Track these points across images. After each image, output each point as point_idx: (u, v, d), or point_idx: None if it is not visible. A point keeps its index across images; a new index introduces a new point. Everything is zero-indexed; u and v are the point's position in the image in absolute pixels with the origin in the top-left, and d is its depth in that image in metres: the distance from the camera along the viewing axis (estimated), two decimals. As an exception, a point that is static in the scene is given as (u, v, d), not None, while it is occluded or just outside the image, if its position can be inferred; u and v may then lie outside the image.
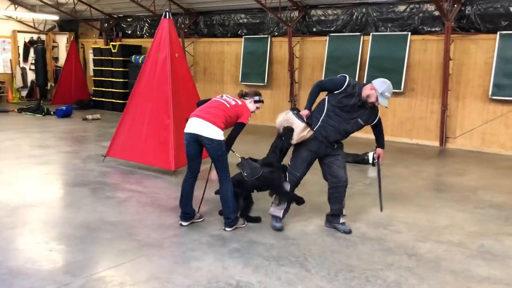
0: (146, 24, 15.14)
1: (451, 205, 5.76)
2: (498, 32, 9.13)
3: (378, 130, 4.80)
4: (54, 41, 17.60)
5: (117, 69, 14.61)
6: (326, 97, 4.58)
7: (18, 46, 16.78)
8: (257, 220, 4.87)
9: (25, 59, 16.96)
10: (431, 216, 5.31)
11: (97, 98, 15.31)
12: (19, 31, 16.74)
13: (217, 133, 4.39)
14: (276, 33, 12.40)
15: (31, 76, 17.06)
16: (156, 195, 5.83)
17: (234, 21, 13.20)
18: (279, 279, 3.62)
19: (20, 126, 11.17)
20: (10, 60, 16.66)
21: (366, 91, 4.42)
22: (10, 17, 16.25)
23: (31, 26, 17.09)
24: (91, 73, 16.13)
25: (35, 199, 5.52)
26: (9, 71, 16.65)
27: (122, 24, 15.75)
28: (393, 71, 10.27)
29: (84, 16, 15.54)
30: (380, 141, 4.86)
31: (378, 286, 3.55)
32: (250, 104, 4.74)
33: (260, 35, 12.67)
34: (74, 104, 14.71)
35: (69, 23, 16.99)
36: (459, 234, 4.74)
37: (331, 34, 11.37)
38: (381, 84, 4.40)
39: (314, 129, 4.51)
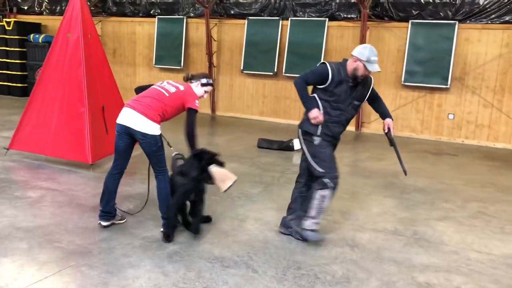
0: (46, 0, 13.76)
1: (379, 192, 5.91)
2: (410, 21, 9.56)
3: (377, 100, 4.29)
4: None
5: (13, 48, 13.15)
6: (315, 95, 4.03)
7: None
8: (208, 220, 4.55)
9: None
10: (363, 204, 5.39)
11: (-10, 81, 13.72)
12: None
13: (151, 127, 3.96)
14: (192, 14, 11.91)
15: None
16: (73, 193, 5.26)
17: (146, 0, 12.46)
18: (226, 283, 3.38)
19: None
20: None
21: (350, 66, 3.92)
22: None
23: None
24: (-19, 53, 14.39)
25: None
26: None
27: (17, -1, 14.19)
28: (311, 57, 10.37)
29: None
30: (384, 112, 4.26)
31: (328, 283, 3.46)
32: (196, 88, 4.26)
33: (175, 15, 12.10)
34: (-38, 87, 13.06)
35: (-48, -5, 14.94)
36: (392, 221, 4.85)
37: (249, 18, 11.16)
38: (362, 51, 3.87)
39: (318, 133, 4.02)
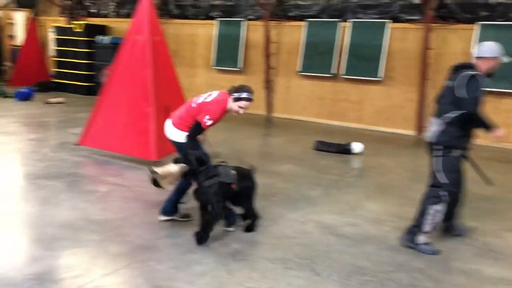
0: (112, 4, 14.36)
1: (443, 199, 5.71)
2: (478, 23, 9.17)
3: None
4: (10, 18, 16.45)
5: (81, 49, 13.82)
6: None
7: (-30, 22, 15.60)
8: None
9: (-22, 36, 15.81)
10: (427, 211, 5.22)
11: (59, 80, 14.47)
12: (-29, 6, 15.54)
13: (177, 135, 4.31)
14: (252, 17, 12.02)
15: (-16, 55, 15.96)
16: (139, 189, 5.46)
17: (207, 3, 12.71)
18: (289, 285, 3.39)
19: (-23, 110, 10.38)
20: (-38, 37, 15.47)
21: (484, 66, 3.92)
22: (-40, -10, 15.03)
23: (-16, 1, 15.90)
24: (52, 54, 15.22)
25: (8, 194, 5.04)
26: (-40, 49, 15.47)
27: (85, 3, 14.88)
28: (371, 59, 10.20)
29: (44, -8, 14.58)
30: None
31: (393, 290, 3.40)
32: (231, 102, 4.23)
33: (235, 18, 12.26)
34: (34, 86, 13.82)
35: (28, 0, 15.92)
36: (459, 230, 4.67)
37: (308, 20, 11.12)
38: (492, 48, 3.95)
39: (461, 146, 4.00)
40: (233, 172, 4.13)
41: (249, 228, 4.32)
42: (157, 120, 6.39)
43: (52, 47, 15.21)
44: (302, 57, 11.22)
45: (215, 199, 3.96)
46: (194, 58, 13.16)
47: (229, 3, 12.37)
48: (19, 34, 16.21)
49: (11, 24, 16.42)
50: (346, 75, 10.65)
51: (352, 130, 10.37)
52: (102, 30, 14.04)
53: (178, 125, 4.30)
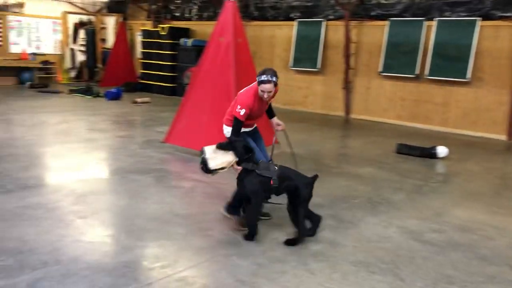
0: (195, 7, 14.90)
1: (540, 209, 5.30)
2: None
3: None
4: (102, 23, 17.64)
5: (165, 52, 14.49)
6: None
7: (68, 28, 16.91)
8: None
9: (74, 40, 17.11)
10: (521, 221, 4.88)
11: (144, 81, 15.28)
12: (69, 13, 16.84)
13: (227, 131, 4.55)
14: (332, 17, 11.92)
15: (80, 57, 17.23)
16: (221, 186, 5.62)
17: (287, 4, 12.79)
18: (372, 289, 3.33)
19: (72, 108, 11.23)
20: (60, 41, 16.82)
21: None
22: (60, -2, 16.36)
23: (80, 8, 17.16)
24: (139, 56, 16.10)
25: (101, 186, 5.42)
26: (59, 52, 16.83)
27: (170, 6, 15.57)
28: (458, 59, 9.71)
29: (133, -2, 15.45)
30: None
31: (484, 303, 3.22)
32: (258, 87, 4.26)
33: (314, 18, 12.22)
34: (122, 86, 14.71)
35: (118, 5, 16.96)
36: (559, 243, 4.32)
37: (391, 19, 10.81)
38: None
39: None
40: (274, 168, 4.03)
41: (289, 242, 3.98)
42: (238, 120, 6.55)
43: (139, 50, 16.09)
44: (384, 57, 10.94)
45: (253, 190, 3.96)
46: (273, 59, 13.28)
47: (309, 3, 12.34)
48: (110, 37, 17.32)
49: (103, 28, 17.59)
50: (430, 75, 10.23)
51: (436, 133, 9.94)
52: (186, 33, 14.62)
53: (225, 121, 4.57)
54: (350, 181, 6.06)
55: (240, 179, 4.11)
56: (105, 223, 4.33)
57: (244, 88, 4.47)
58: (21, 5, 15.71)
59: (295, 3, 12.60)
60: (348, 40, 11.36)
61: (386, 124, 11.00)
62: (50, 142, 7.63)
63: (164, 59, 14.57)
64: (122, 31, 15.84)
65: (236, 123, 4.28)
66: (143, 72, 15.36)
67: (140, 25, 16.24)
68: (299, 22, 12.43)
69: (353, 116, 11.79)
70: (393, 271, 3.61)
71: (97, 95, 13.24)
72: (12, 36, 15.67)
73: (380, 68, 11.02)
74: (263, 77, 4.17)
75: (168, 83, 14.56)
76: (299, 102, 12.73)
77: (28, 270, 3.35)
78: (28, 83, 15.01)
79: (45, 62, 15.97)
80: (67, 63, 17.03)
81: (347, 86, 11.60)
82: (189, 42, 13.97)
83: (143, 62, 15.37)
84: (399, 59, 10.68)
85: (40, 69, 15.79)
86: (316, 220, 4.18)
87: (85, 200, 4.92)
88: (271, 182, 3.99)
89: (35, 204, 4.63)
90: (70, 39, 17.02)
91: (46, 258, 3.56)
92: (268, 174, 4.00)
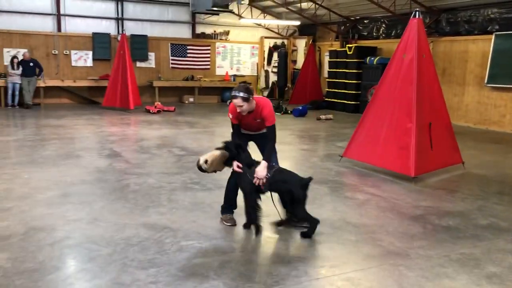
0: (383, 25, 14.96)
1: None
2: None
3: None
4: (293, 45, 18.97)
5: (351, 70, 14.87)
6: None
7: (264, 51, 18.66)
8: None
9: (269, 62, 18.78)
10: None
11: (329, 99, 15.88)
12: (265, 37, 18.59)
13: None
14: (537, 28, 10.70)
15: (272, 78, 18.82)
16: (395, 201, 5.65)
17: (483, 17, 11.92)
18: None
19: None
20: (257, 63, 18.66)
21: None
22: (259, 25, 18.18)
23: (275, 32, 18.78)
24: (325, 75, 16.83)
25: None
26: (255, 74, 18.69)
27: (358, 26, 15.93)
28: None
29: (323, 20, 16.27)
30: None
31: None
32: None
33: (515, 31, 11.13)
34: (308, 104, 15.55)
35: (308, 28, 18.04)
36: None
37: None
38: None
39: None
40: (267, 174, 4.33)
41: (304, 234, 4.39)
42: (418, 137, 6.48)
43: (326, 69, 16.82)
44: None
45: (244, 187, 4.38)
46: (464, 76, 12.49)
47: (510, 15, 11.30)
48: (299, 58, 18.51)
49: (294, 50, 18.90)
50: None
51: None
52: (372, 51, 14.76)
53: None
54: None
55: (236, 176, 4.51)
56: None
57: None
58: (226, 33, 17.97)
59: (493, 15, 11.67)
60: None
61: None
62: (243, 151, 8.64)
63: (349, 78, 14.95)
64: (311, 52, 16.79)
65: (231, 125, 4.71)
66: (329, 91, 15.99)
67: (328, 46, 16.98)
68: (498, 35, 11.45)
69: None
70: None
71: (285, 112, 14.30)
72: (218, 60, 18.01)
73: None
74: (232, 93, 4.42)
75: (351, 101, 14.88)
76: (494, 121, 11.67)
77: (219, 253, 4.00)
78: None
79: (243, 83, 17.86)
80: (261, 83, 18.76)
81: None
82: (375, 60, 14.07)
83: (329, 81, 16.01)
84: None
85: (238, 88, 17.74)
86: (313, 223, 4.39)
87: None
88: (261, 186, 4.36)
89: (217, 205, 5.39)
90: (265, 62, 18.74)
91: (235, 245, 4.18)
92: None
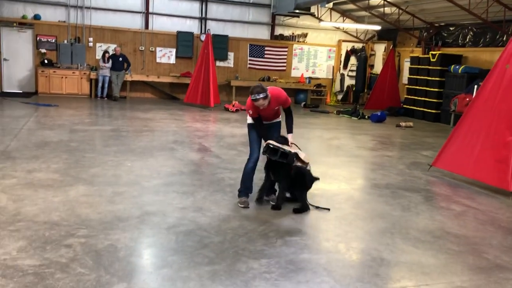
0: (470, 33, 14.42)
1: None
2: None
3: None
4: (372, 50, 18.73)
5: (433, 78, 14.47)
6: None
7: (341, 54, 18.58)
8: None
9: (345, 66, 18.67)
10: None
11: (407, 106, 15.54)
12: (343, 41, 18.51)
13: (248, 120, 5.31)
14: None
15: (347, 82, 18.69)
16: (493, 215, 5.51)
17: None
18: None
19: (341, 127, 12.37)
20: (333, 67, 18.62)
21: None
22: (338, 28, 18.12)
23: (353, 36, 18.64)
24: (404, 81, 16.48)
25: (374, 197, 6.00)
26: (330, 77, 18.65)
27: (442, 33, 15.46)
28: None
29: (405, 26, 15.95)
30: None
31: None
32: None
33: None
34: (385, 110, 15.30)
35: (388, 33, 17.73)
36: None
37: None
38: None
39: None
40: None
41: (296, 210, 5.11)
42: (518, 151, 6.26)
43: (405, 76, 16.47)
44: None
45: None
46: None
47: None
48: (378, 63, 18.25)
49: (372, 55, 18.66)
50: None
51: None
52: (457, 59, 14.27)
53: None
54: None
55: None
56: (381, 228, 4.85)
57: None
58: (304, 36, 18.08)
59: None
60: None
61: None
62: (326, 154, 8.72)
63: (431, 86, 14.55)
64: (391, 58, 16.50)
65: (252, 118, 5.19)
66: (407, 97, 15.64)
67: (409, 52, 16.60)
68: None
69: None
70: None
71: (362, 117, 14.18)
72: (294, 62, 18.16)
73: None
74: (252, 97, 4.91)
75: (432, 109, 14.48)
76: None
77: (324, 251, 4.12)
78: (303, 103, 17.14)
79: (318, 85, 17.92)
80: (336, 87, 18.69)
81: None
82: (460, 69, 13.61)
83: (408, 87, 15.67)
84: None
85: (313, 91, 17.79)
86: (306, 207, 5.17)
87: (362, 206, 5.59)
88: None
89: (322, 203, 5.51)
90: (341, 65, 18.66)
91: (338, 246, 4.29)
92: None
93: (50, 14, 15.23)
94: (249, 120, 5.28)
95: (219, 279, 3.45)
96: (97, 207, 4.83)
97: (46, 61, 14.97)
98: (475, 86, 11.55)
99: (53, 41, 15.22)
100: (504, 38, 12.71)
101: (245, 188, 5.32)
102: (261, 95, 4.86)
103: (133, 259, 3.70)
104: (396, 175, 7.23)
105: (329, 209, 5.27)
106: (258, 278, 3.52)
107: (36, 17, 14.98)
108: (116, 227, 4.32)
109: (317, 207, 5.29)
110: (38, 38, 15.08)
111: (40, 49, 15.10)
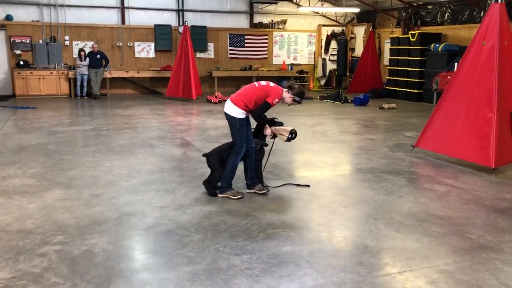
0: (448, 10, 14.39)
1: None
2: None
3: None
4: (352, 33, 18.63)
5: (414, 58, 14.44)
6: None
7: (321, 39, 18.46)
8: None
9: (326, 51, 18.56)
10: None
11: (390, 87, 15.52)
12: (323, 25, 18.38)
13: (233, 110, 4.98)
14: None
15: (329, 66, 18.60)
16: (477, 193, 5.49)
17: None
18: None
19: (324, 112, 12.30)
20: (314, 52, 18.50)
21: None
22: (317, 12, 17.97)
23: (333, 20, 18.51)
24: (386, 63, 16.43)
25: (357, 182, 5.96)
26: (312, 62, 18.54)
27: (421, 12, 15.40)
28: None
29: (383, 6, 15.86)
30: None
31: None
32: (287, 94, 5.09)
33: None
34: (368, 92, 15.25)
35: (367, 14, 17.63)
36: None
37: None
38: None
39: None
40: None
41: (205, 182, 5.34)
42: (499, 126, 6.24)
43: (386, 57, 16.42)
44: None
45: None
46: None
47: None
48: (358, 46, 18.17)
49: (352, 38, 18.56)
50: None
51: None
52: (436, 38, 14.25)
53: (235, 101, 5.00)
54: None
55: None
56: (364, 214, 4.80)
57: (272, 85, 5.13)
58: (284, 22, 17.90)
59: None
60: None
61: None
62: (310, 140, 8.64)
63: (412, 66, 14.52)
64: (371, 40, 16.43)
65: (266, 108, 5.06)
66: (390, 79, 15.62)
67: (389, 33, 16.54)
68: None
69: None
70: None
71: (345, 101, 14.12)
72: (275, 49, 18.00)
73: None
74: (297, 100, 5.15)
75: (414, 89, 14.48)
76: None
77: (306, 242, 4.06)
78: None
79: (300, 72, 17.79)
80: (319, 72, 18.60)
81: None
82: (440, 47, 13.59)
83: (390, 68, 15.63)
84: None
85: (295, 78, 17.67)
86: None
87: (345, 192, 5.53)
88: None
89: (305, 191, 5.44)
90: (322, 50, 18.54)
91: (320, 235, 4.22)
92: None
93: (23, 14, 14.85)
94: (241, 115, 5.03)
95: (199, 279, 3.36)
96: (74, 211, 4.70)
97: (22, 63, 14.63)
98: (455, 64, 11.52)
99: (28, 41, 14.87)
100: (482, 14, 12.69)
101: (229, 183, 5.24)
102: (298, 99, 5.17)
103: (110, 264, 3.60)
104: (380, 158, 7.18)
105: (309, 186, 5.57)
106: (239, 275, 3.44)
107: (8, 17, 14.60)
108: (93, 231, 4.21)
109: (297, 185, 5.56)
110: (11, 39, 14.72)
111: (14, 51, 14.74)
